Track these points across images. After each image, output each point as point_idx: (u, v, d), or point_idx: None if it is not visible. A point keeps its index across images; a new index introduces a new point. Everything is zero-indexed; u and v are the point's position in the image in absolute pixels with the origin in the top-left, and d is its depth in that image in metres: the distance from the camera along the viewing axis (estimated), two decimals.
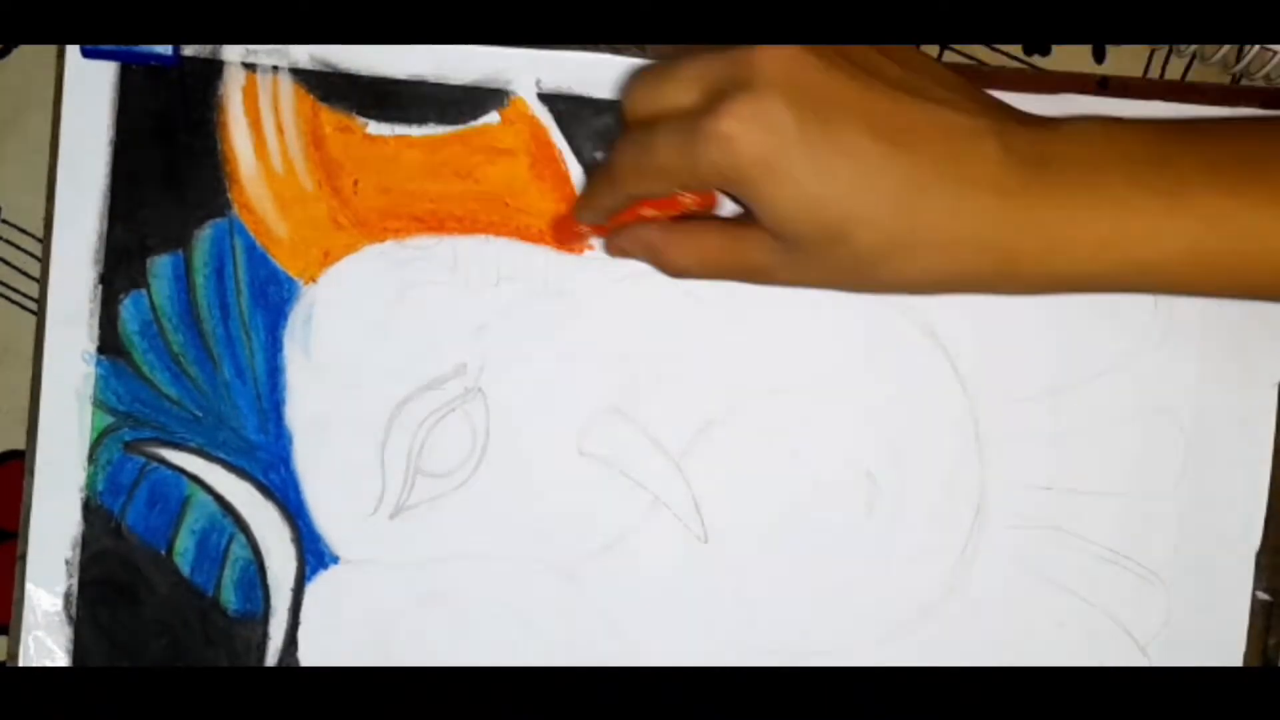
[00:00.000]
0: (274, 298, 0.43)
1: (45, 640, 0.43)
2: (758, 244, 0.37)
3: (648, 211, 0.41)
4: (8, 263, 0.45)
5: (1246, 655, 0.44)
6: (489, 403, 0.44)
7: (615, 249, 0.42)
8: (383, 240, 0.44)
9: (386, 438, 0.44)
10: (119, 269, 0.43)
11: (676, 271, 0.40)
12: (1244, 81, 0.45)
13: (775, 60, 0.35)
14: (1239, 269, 0.35)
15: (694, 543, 0.44)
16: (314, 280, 0.43)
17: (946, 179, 0.35)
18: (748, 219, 0.38)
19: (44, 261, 0.43)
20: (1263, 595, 0.44)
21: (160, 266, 0.43)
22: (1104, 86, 0.44)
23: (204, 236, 0.43)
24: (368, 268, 0.44)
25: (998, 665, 0.44)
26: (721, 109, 0.35)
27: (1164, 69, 0.45)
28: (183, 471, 0.43)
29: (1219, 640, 0.44)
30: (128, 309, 0.43)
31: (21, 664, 0.43)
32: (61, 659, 0.43)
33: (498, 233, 0.44)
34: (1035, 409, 0.44)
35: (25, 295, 0.45)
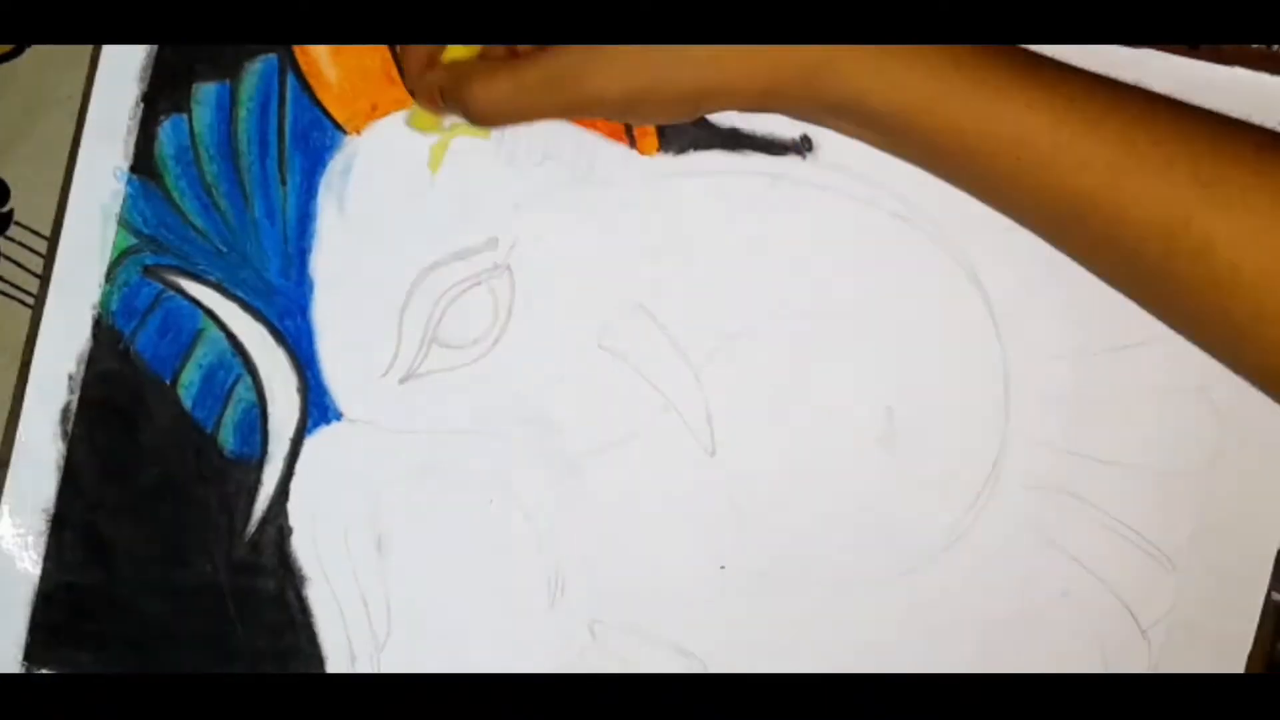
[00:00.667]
0: (315, 143, 0.43)
1: (38, 451, 0.43)
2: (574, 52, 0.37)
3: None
4: (20, 265, 0.44)
5: (1251, 657, 0.43)
6: (515, 281, 0.43)
7: (426, 92, 0.41)
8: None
9: (408, 301, 0.43)
10: (163, 90, 0.43)
11: (489, 108, 0.39)
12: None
13: None
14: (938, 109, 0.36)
15: (700, 454, 0.43)
16: (358, 132, 0.43)
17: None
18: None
19: (88, 75, 0.43)
20: (1277, 596, 0.43)
21: (205, 93, 0.43)
22: (1194, 47, 0.42)
23: (254, 70, 0.42)
24: (413, 128, 0.43)
25: (990, 623, 0.43)
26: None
27: None
28: (199, 304, 0.43)
29: (1224, 637, 0.43)
30: (166, 132, 0.43)
31: (10, 479, 0.43)
32: (52, 475, 0.43)
33: None
34: (1069, 369, 0.42)
35: (39, 299, 0.45)
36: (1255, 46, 0.43)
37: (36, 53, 0.43)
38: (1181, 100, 0.37)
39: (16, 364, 0.43)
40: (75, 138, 0.42)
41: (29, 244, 0.43)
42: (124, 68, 0.42)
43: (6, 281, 0.44)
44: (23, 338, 0.43)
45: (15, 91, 0.43)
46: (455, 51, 0.40)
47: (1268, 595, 0.43)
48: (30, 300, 0.43)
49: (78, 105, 0.43)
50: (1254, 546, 0.43)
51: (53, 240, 0.43)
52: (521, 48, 0.39)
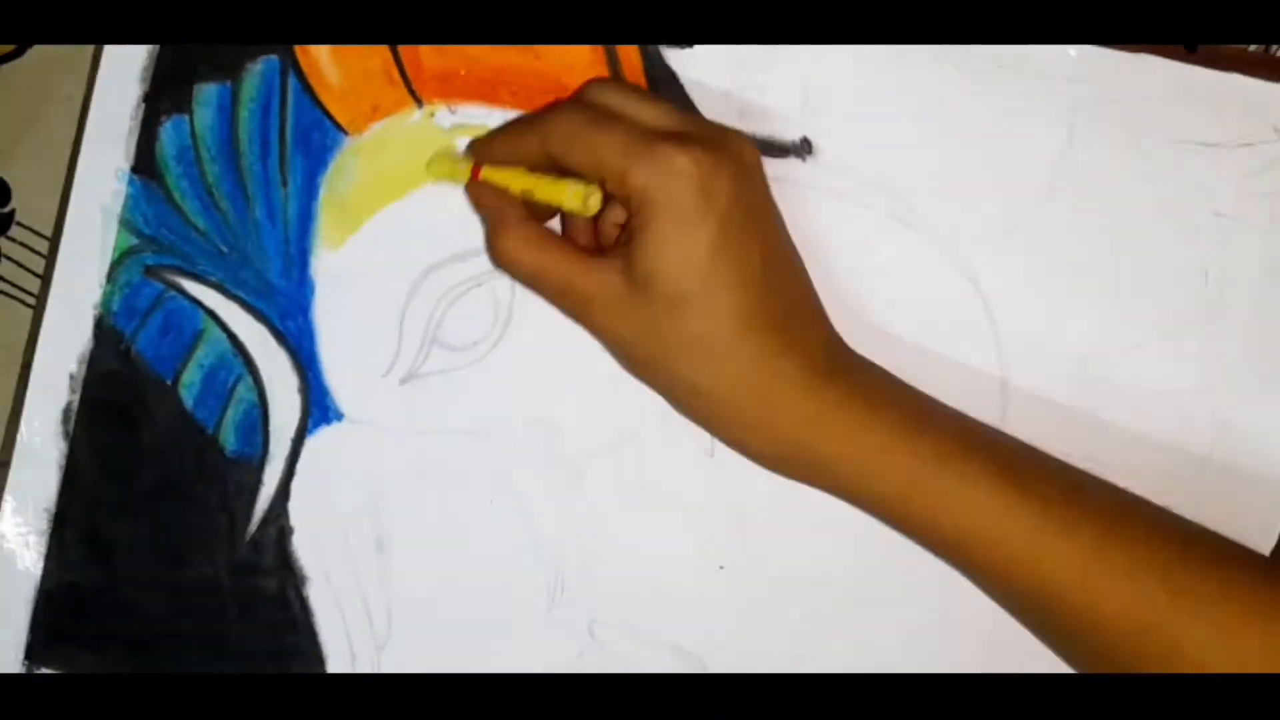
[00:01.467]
0: (316, 144, 0.43)
1: (39, 451, 0.43)
2: (599, 275, 0.38)
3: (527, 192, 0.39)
4: (23, 266, 0.44)
5: None
6: (516, 282, 0.43)
7: (474, 194, 0.41)
8: (434, 103, 0.43)
9: (409, 302, 0.43)
10: (165, 90, 0.43)
11: (503, 258, 0.39)
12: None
13: (742, 152, 0.38)
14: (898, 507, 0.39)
15: (700, 455, 0.43)
16: (359, 132, 0.43)
17: (782, 330, 0.38)
18: (602, 257, 0.38)
19: (90, 76, 0.43)
20: None
21: (206, 94, 0.43)
22: (1191, 51, 0.43)
23: (255, 71, 0.43)
24: (415, 128, 0.43)
25: (987, 619, 0.43)
26: (691, 147, 0.36)
27: None
28: (200, 304, 0.43)
29: None
30: (167, 132, 0.43)
31: (13, 476, 0.43)
32: (53, 475, 0.43)
33: None
34: (1066, 371, 0.43)
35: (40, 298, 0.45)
36: (1250, 50, 0.43)
37: (38, 53, 0.43)
38: (1152, 504, 0.39)
39: (18, 364, 0.43)
40: (76, 138, 0.42)
41: (30, 244, 0.43)
42: (125, 68, 0.42)
43: (7, 282, 0.44)
44: (24, 338, 0.43)
45: (16, 92, 0.43)
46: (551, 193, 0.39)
47: None
48: (31, 300, 0.43)
49: (79, 106, 0.43)
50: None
51: (54, 241, 0.43)
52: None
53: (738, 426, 0.39)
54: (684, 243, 0.36)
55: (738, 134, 0.39)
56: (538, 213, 0.40)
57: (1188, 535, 0.39)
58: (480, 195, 0.40)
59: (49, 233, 0.43)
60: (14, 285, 0.44)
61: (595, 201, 0.38)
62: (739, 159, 0.37)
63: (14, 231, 0.44)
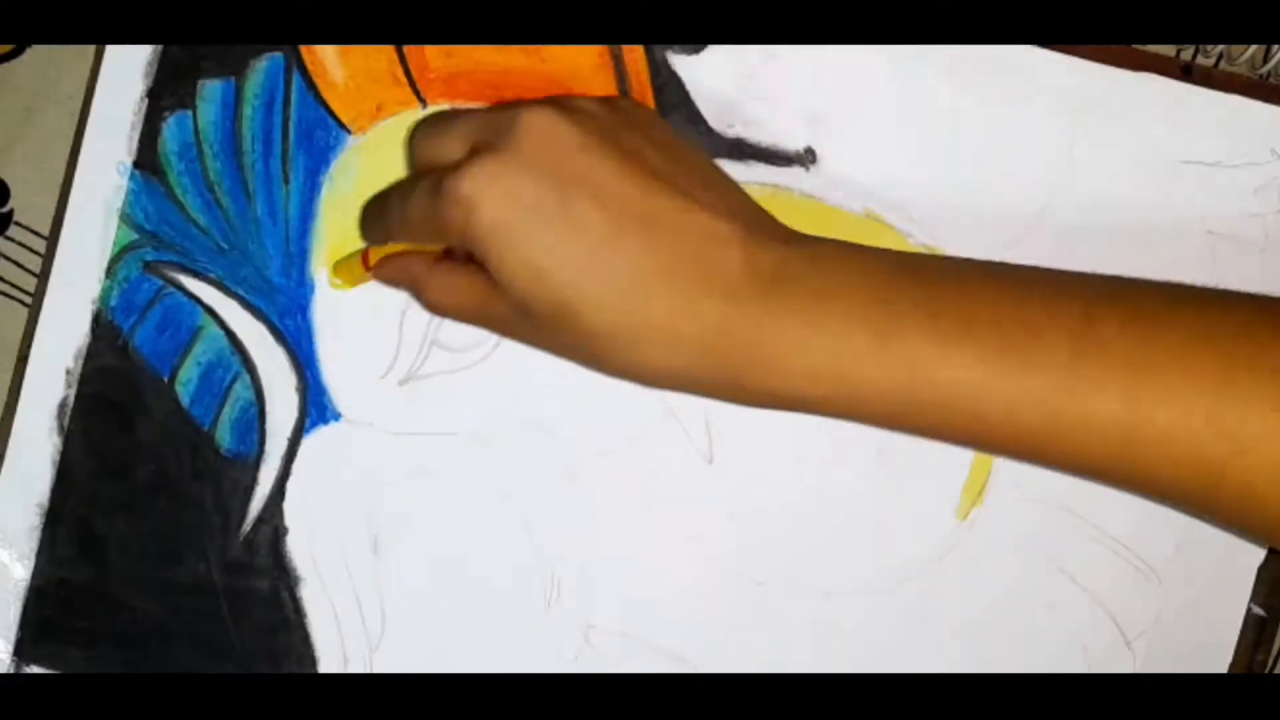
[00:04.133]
0: (319, 142, 0.43)
1: (33, 445, 0.42)
2: (498, 299, 0.37)
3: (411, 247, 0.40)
4: (21, 266, 0.44)
5: (1232, 667, 0.44)
6: None
7: (381, 276, 0.41)
8: (438, 103, 0.43)
9: (408, 303, 0.43)
10: (168, 86, 0.42)
11: (433, 310, 0.40)
12: (1270, 81, 0.44)
13: (533, 128, 0.35)
14: (939, 419, 0.35)
15: (699, 461, 0.43)
16: (363, 131, 0.43)
17: (679, 276, 0.35)
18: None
19: (93, 69, 0.42)
20: (1257, 610, 0.44)
21: (210, 90, 0.42)
22: (1187, 73, 0.43)
23: (259, 67, 0.42)
24: None
25: (978, 633, 0.43)
26: (465, 169, 0.35)
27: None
28: (198, 301, 0.43)
29: (1206, 647, 0.44)
30: (170, 128, 0.42)
31: (6, 470, 0.42)
32: (47, 470, 0.43)
33: None
34: None
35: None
36: (1248, 75, 0.44)
37: (37, 53, 0.43)
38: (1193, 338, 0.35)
39: (13, 358, 0.43)
40: (76, 138, 0.42)
41: (29, 244, 0.43)
42: (129, 64, 0.42)
43: (6, 282, 0.43)
44: (19, 336, 0.43)
45: (15, 92, 0.43)
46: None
47: (1249, 609, 0.44)
48: (28, 300, 0.43)
49: (79, 106, 0.43)
50: (1237, 561, 0.44)
51: (52, 237, 0.43)
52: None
53: (712, 388, 0.36)
54: (518, 259, 0.35)
55: (526, 106, 0.36)
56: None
57: (1236, 349, 0.34)
58: (385, 273, 0.41)
59: (48, 232, 0.43)
60: (12, 285, 0.43)
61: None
62: (528, 133, 0.35)
63: (12, 231, 0.43)
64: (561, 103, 0.37)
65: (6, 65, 0.43)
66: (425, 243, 0.39)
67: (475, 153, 0.36)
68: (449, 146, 0.37)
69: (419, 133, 0.39)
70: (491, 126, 0.36)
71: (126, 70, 0.42)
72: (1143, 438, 0.34)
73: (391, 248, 0.40)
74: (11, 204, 0.43)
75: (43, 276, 0.43)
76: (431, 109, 0.43)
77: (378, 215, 0.41)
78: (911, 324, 0.35)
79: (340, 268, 0.42)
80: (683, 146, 0.38)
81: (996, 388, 0.34)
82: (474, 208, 0.35)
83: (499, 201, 0.35)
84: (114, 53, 0.42)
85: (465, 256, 0.38)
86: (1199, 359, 0.34)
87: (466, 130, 0.37)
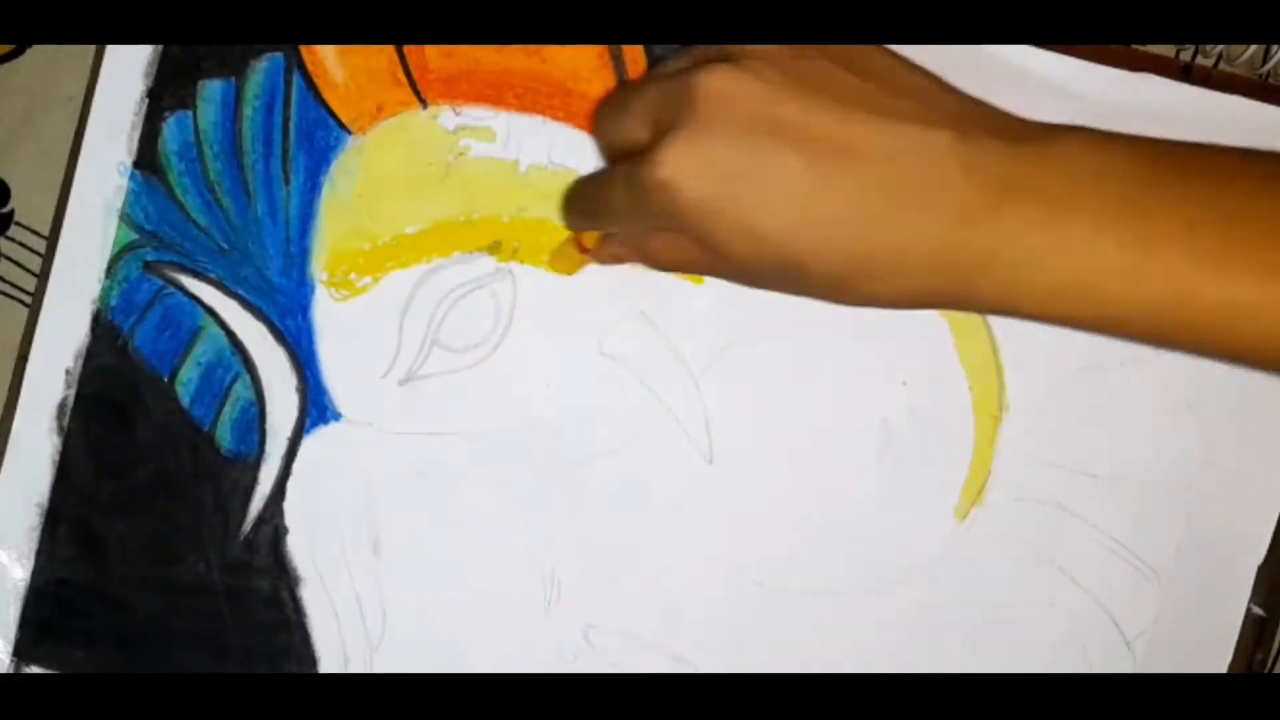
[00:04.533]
0: (320, 142, 0.43)
1: (33, 445, 0.42)
2: (726, 266, 0.36)
3: None
4: (22, 266, 0.44)
5: (1231, 666, 0.44)
6: (518, 285, 0.43)
7: (608, 257, 0.41)
8: (438, 104, 0.43)
9: (409, 303, 0.43)
10: (169, 86, 0.42)
11: (661, 268, 0.39)
12: (1270, 82, 0.44)
13: (710, 93, 0.34)
14: (1202, 338, 0.33)
15: (699, 462, 0.43)
16: (363, 132, 0.43)
17: (897, 204, 0.33)
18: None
19: (94, 67, 0.42)
20: (1257, 610, 0.44)
21: (210, 90, 0.42)
22: (1187, 74, 0.43)
23: (259, 68, 0.42)
24: (419, 129, 0.43)
25: (978, 633, 0.43)
26: (659, 155, 0.34)
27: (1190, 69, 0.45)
28: (199, 301, 0.43)
29: (1206, 647, 0.44)
30: (170, 128, 0.42)
31: (5, 470, 0.42)
32: (46, 470, 0.42)
33: (555, 116, 0.43)
34: (1062, 386, 0.43)
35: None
36: (1247, 75, 0.44)
37: (38, 53, 0.43)
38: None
39: (13, 357, 0.43)
40: (76, 138, 0.42)
41: (29, 244, 0.43)
42: (129, 64, 0.42)
43: (6, 282, 0.43)
44: (19, 337, 0.43)
45: (16, 92, 0.43)
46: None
47: (1248, 609, 0.44)
48: (28, 300, 0.43)
49: (79, 106, 0.43)
50: (1236, 561, 0.44)
51: (52, 237, 0.42)
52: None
53: (953, 303, 0.34)
54: (726, 232, 0.34)
55: (699, 71, 0.34)
56: None
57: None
58: (604, 255, 0.41)
59: (48, 233, 0.43)
60: (12, 285, 0.43)
61: None
62: (707, 100, 0.34)
63: (12, 231, 0.43)
64: (732, 56, 0.35)
65: (7, 65, 0.43)
66: (634, 235, 0.38)
67: (660, 132, 0.34)
68: (633, 128, 0.36)
69: (600, 118, 0.38)
70: (669, 98, 0.35)
71: (127, 70, 0.42)
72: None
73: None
74: (12, 204, 0.43)
75: (43, 276, 0.42)
76: (433, 109, 0.43)
77: (581, 209, 0.40)
78: (1169, 240, 0.32)
79: (557, 258, 0.42)
80: (866, 55, 0.36)
81: (1270, 306, 0.31)
82: (675, 191, 0.34)
83: (696, 179, 0.33)
84: (114, 53, 0.42)
85: None
86: None
87: (645, 107, 0.36)
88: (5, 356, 0.43)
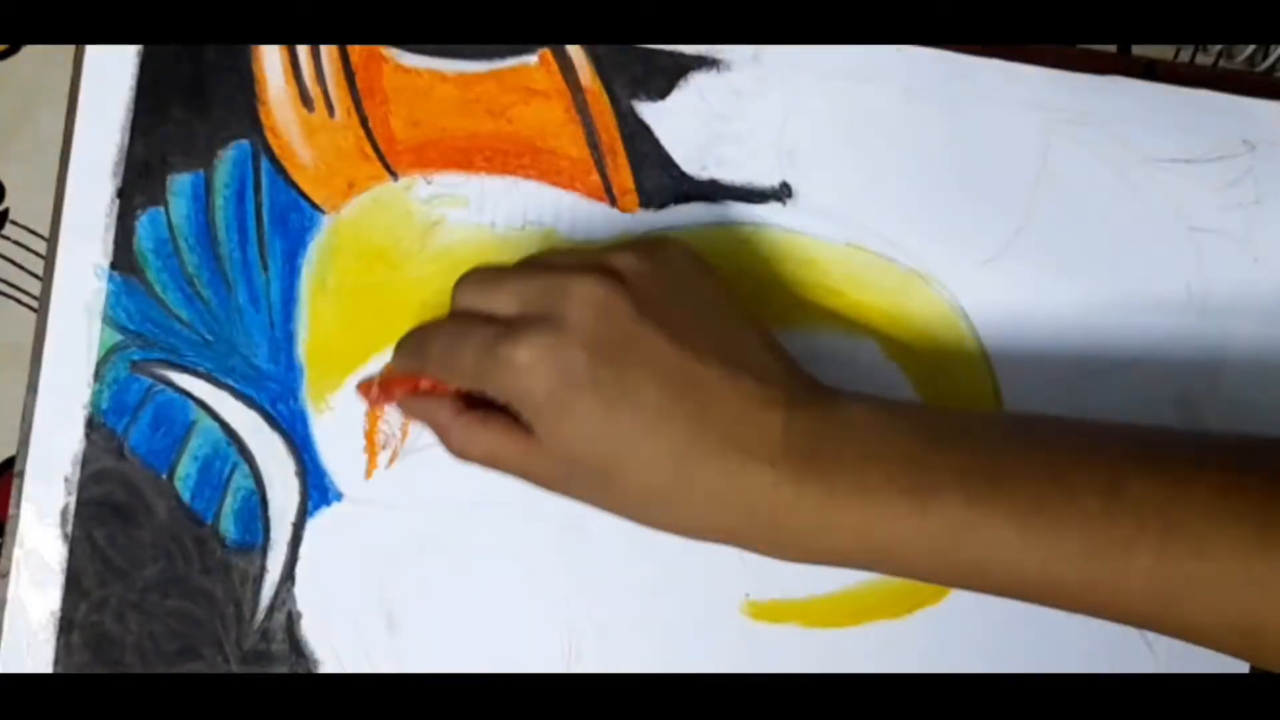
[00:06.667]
0: (294, 225, 0.42)
1: (38, 557, 0.42)
2: (541, 457, 0.37)
3: (436, 388, 0.40)
4: (17, 264, 0.44)
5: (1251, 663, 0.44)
6: None
7: (408, 412, 0.42)
8: (409, 175, 0.43)
9: None
10: (138, 185, 0.42)
11: (460, 456, 0.39)
12: (1226, 68, 0.44)
13: (586, 300, 0.36)
14: (978, 575, 0.36)
15: None
16: (336, 210, 0.43)
17: (725, 441, 0.36)
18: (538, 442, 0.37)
19: (60, 175, 0.42)
20: None
21: (180, 184, 0.42)
22: (1150, 72, 0.43)
23: (227, 157, 0.42)
24: (393, 202, 0.43)
25: (1002, 649, 0.43)
26: (522, 337, 0.36)
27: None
28: (189, 395, 0.42)
29: None
30: (144, 226, 0.42)
31: (11, 582, 0.42)
32: (55, 578, 0.42)
33: (526, 175, 0.43)
34: (1060, 391, 0.43)
35: (35, 297, 0.44)
36: (1212, 68, 0.43)
37: (30, 52, 0.43)
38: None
39: (23, 366, 0.43)
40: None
41: (26, 243, 0.43)
42: (96, 166, 0.42)
43: (6, 282, 0.43)
44: (22, 338, 0.43)
45: (9, 91, 0.43)
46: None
47: None
48: (31, 302, 0.43)
49: (49, 214, 0.42)
50: None
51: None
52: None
53: (756, 545, 0.37)
54: (570, 426, 0.36)
55: (576, 277, 0.37)
56: None
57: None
58: (408, 409, 0.41)
59: (44, 231, 0.42)
60: (12, 285, 0.43)
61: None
62: (581, 305, 0.36)
63: (8, 230, 0.43)
64: (607, 267, 0.37)
65: (1, 64, 0.43)
66: (465, 388, 0.39)
67: (528, 321, 0.36)
68: (498, 303, 0.38)
69: (466, 285, 0.39)
70: (544, 293, 0.37)
71: (95, 172, 0.42)
72: (1178, 592, 0.35)
73: (413, 382, 0.41)
74: (7, 203, 0.43)
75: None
76: (404, 180, 0.43)
77: (415, 350, 0.40)
78: (946, 486, 0.35)
79: (364, 388, 0.43)
80: (722, 301, 0.39)
81: (1030, 546, 0.35)
82: (529, 377, 0.36)
83: (555, 374, 0.36)
84: (80, 155, 0.42)
85: (496, 406, 0.38)
86: (1229, 511, 0.35)
87: (517, 292, 0.38)
88: (13, 357, 0.43)
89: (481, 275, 0.39)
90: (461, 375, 0.38)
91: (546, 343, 0.36)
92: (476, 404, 0.39)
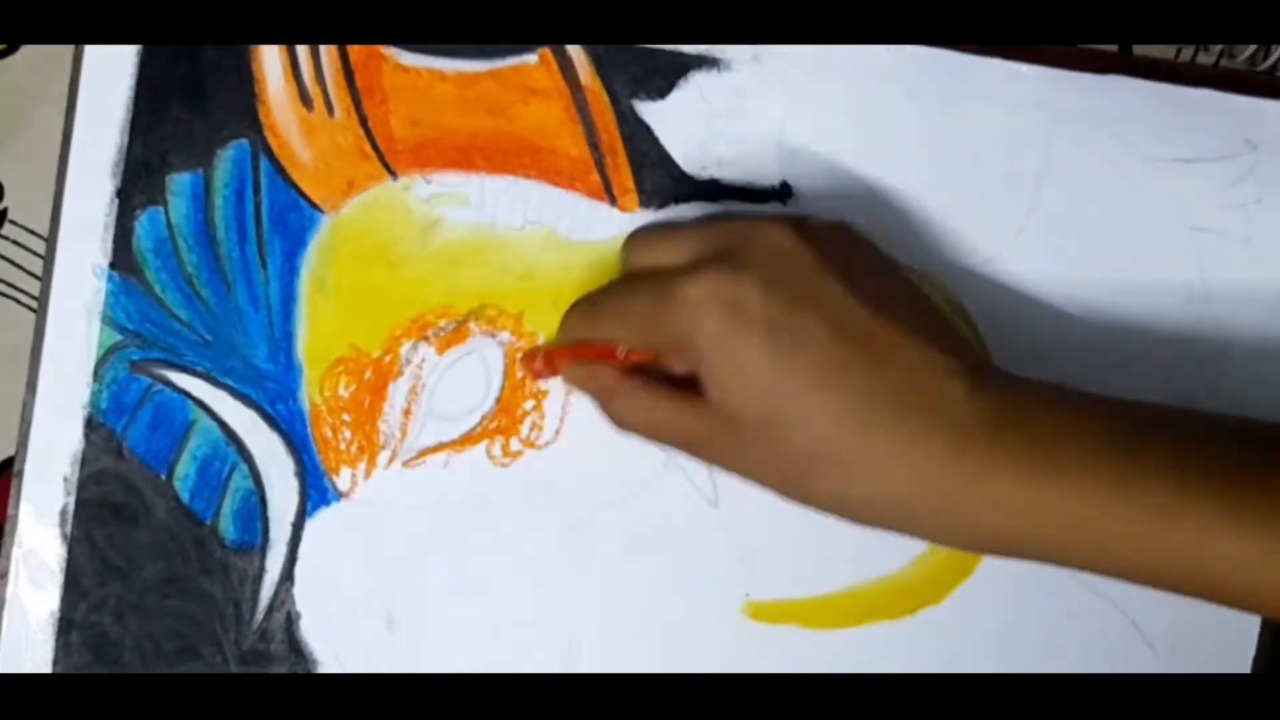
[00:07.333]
0: (294, 225, 0.42)
1: (37, 557, 0.42)
2: (702, 418, 0.36)
3: (602, 355, 0.39)
4: (16, 264, 0.44)
5: (1255, 662, 0.44)
6: (505, 350, 0.43)
7: (570, 379, 0.41)
8: (409, 174, 0.43)
9: (398, 376, 0.43)
10: (137, 184, 0.42)
11: (620, 424, 0.39)
12: (1228, 68, 0.44)
13: (766, 241, 0.35)
14: (1183, 569, 0.34)
15: (703, 506, 0.43)
16: (336, 210, 0.42)
17: (902, 403, 0.34)
18: (698, 399, 0.36)
19: (59, 175, 0.42)
20: None
21: (179, 184, 0.42)
22: (1153, 71, 0.43)
23: (226, 157, 0.42)
24: (392, 202, 0.43)
25: (1003, 649, 0.43)
26: (698, 275, 0.35)
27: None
28: (188, 395, 0.42)
29: (1229, 645, 0.44)
30: (143, 225, 0.42)
31: (10, 582, 0.42)
32: (54, 578, 0.42)
33: (526, 174, 0.43)
34: None
35: (34, 297, 0.44)
36: (1214, 67, 0.43)
37: (29, 51, 0.43)
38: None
39: (21, 365, 0.43)
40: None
41: (24, 243, 0.43)
42: (96, 165, 0.42)
43: (5, 282, 0.43)
44: (20, 338, 0.43)
45: (7, 90, 0.43)
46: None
47: None
48: (29, 301, 0.43)
49: (49, 213, 0.42)
50: None
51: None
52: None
53: (921, 524, 0.35)
54: (739, 371, 0.34)
55: (759, 222, 0.36)
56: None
57: None
58: (572, 377, 0.40)
59: (44, 231, 0.42)
60: (11, 285, 0.43)
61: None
62: (762, 249, 0.35)
63: (7, 230, 0.43)
64: (793, 220, 0.36)
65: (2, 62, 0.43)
66: (637, 344, 0.38)
67: (706, 260, 0.35)
68: (671, 257, 0.37)
69: (636, 243, 0.38)
70: (721, 240, 0.36)
71: (94, 172, 0.42)
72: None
73: (581, 349, 0.39)
74: (6, 202, 0.43)
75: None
76: (404, 179, 0.43)
77: (586, 311, 0.39)
78: (1156, 473, 0.34)
79: (526, 359, 0.42)
80: (904, 277, 0.38)
81: (1245, 536, 0.33)
82: (703, 314, 0.35)
83: (728, 311, 0.34)
84: (79, 155, 0.42)
85: (660, 376, 0.37)
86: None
87: (692, 243, 0.37)
88: (12, 356, 0.43)
89: (651, 232, 0.38)
90: (635, 325, 0.37)
91: (722, 277, 0.34)
92: (645, 373, 0.38)
